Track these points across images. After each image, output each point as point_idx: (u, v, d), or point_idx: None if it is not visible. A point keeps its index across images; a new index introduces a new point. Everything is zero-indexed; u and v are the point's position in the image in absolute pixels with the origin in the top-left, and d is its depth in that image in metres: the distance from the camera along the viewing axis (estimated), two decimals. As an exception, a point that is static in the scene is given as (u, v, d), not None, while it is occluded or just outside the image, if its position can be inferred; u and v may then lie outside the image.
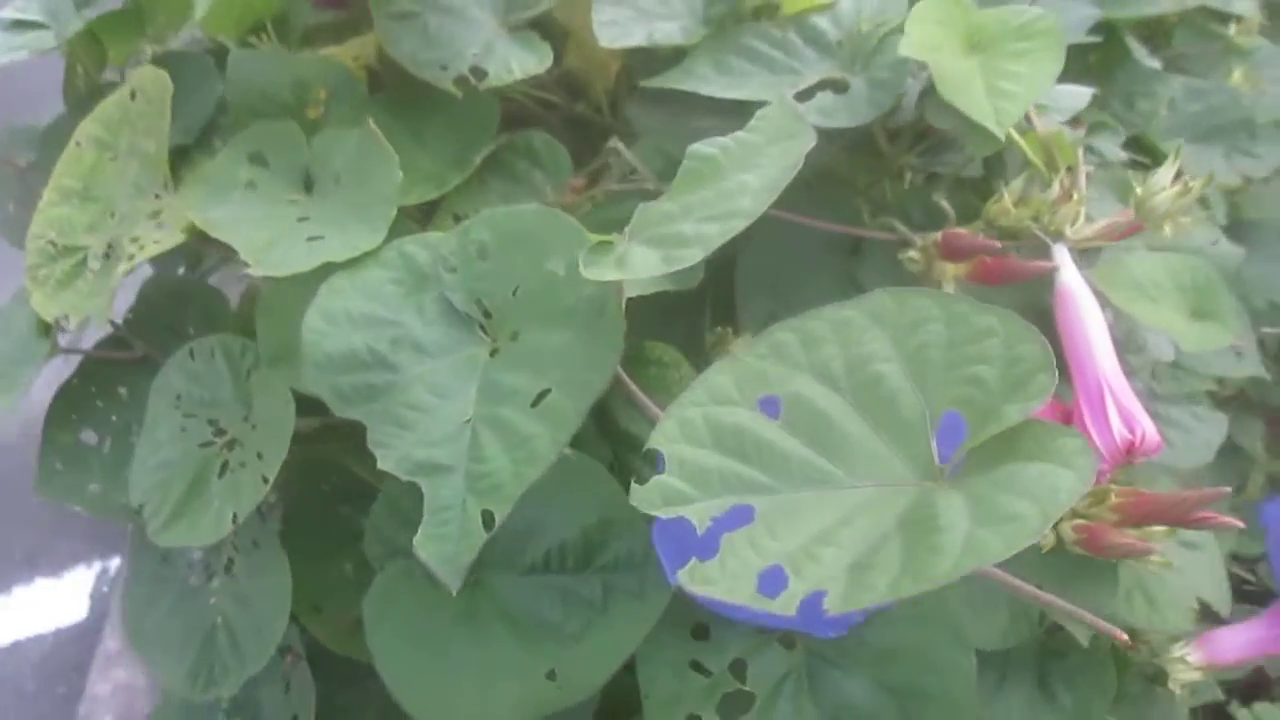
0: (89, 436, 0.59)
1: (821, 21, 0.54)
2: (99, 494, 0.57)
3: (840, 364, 0.33)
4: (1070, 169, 0.52)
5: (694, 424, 0.33)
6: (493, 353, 0.45)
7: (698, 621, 0.51)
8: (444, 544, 0.40)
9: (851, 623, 0.49)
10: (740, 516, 0.31)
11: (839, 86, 0.51)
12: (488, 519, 0.40)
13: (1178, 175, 0.45)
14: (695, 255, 0.38)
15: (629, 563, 0.49)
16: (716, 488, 0.32)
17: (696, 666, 0.50)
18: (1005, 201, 0.52)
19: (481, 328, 0.46)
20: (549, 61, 0.55)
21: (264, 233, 0.48)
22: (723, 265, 0.55)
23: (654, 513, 0.32)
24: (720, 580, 0.28)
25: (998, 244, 0.47)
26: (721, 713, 0.49)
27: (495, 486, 0.40)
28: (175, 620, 0.58)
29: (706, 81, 0.53)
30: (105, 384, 0.59)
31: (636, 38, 0.54)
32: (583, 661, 0.48)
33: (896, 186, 0.57)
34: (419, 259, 0.47)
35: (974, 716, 0.47)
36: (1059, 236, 0.51)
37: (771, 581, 0.28)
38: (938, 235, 0.49)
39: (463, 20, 0.56)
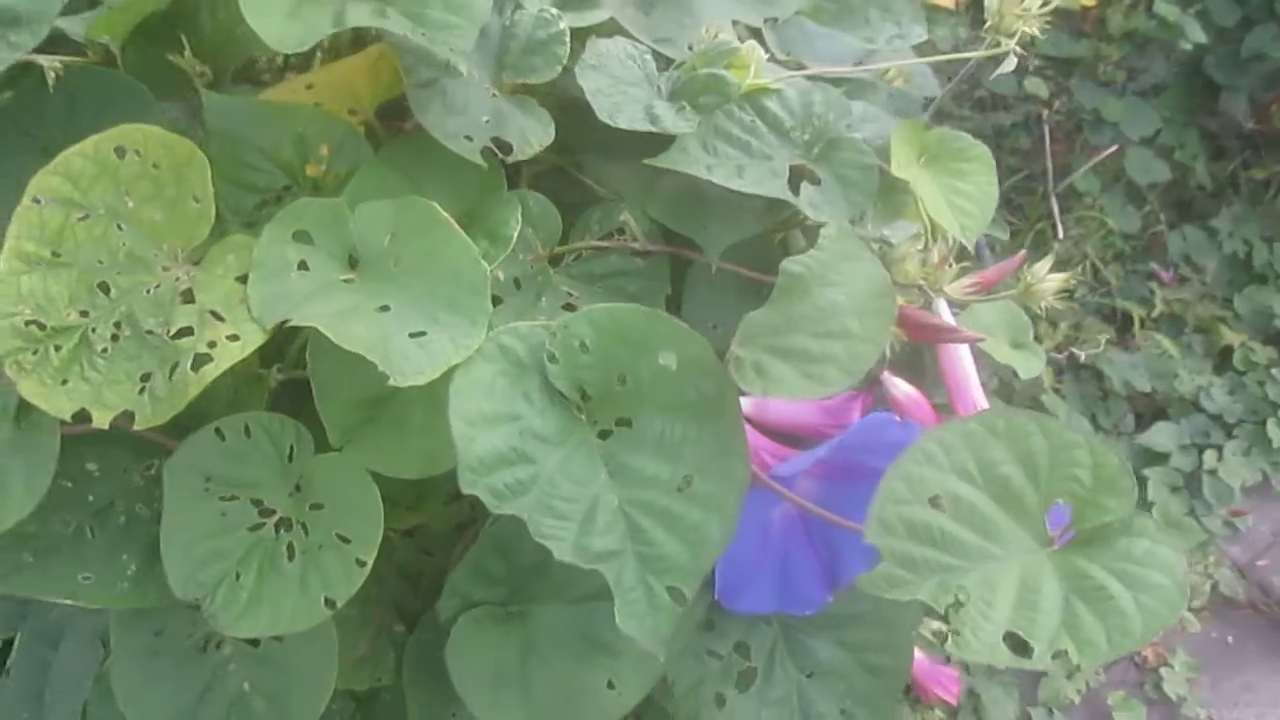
0: (60, 523, 0.55)
1: (777, 108, 0.66)
2: (101, 578, 0.55)
3: (974, 466, 0.48)
4: (945, 240, 0.70)
5: (890, 522, 0.47)
6: (602, 435, 0.53)
7: (704, 617, 0.65)
8: (641, 620, 0.49)
9: (822, 603, 0.66)
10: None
11: (812, 178, 0.64)
12: (677, 596, 0.50)
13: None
14: (834, 377, 0.50)
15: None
16: (921, 576, 0.46)
17: (711, 653, 0.64)
18: (907, 264, 0.69)
19: (578, 408, 0.54)
20: (553, 130, 0.61)
21: (366, 330, 0.50)
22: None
23: (885, 595, 0.45)
24: (979, 649, 0.43)
25: (948, 323, 0.64)
26: (739, 685, 0.64)
27: (673, 568, 0.50)
28: (184, 692, 0.58)
29: (698, 163, 0.62)
30: (69, 462, 0.55)
31: (638, 119, 0.61)
32: (636, 669, 0.60)
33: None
34: (517, 350, 0.53)
35: (910, 658, 0.67)
36: (939, 292, 0.70)
37: (1016, 644, 0.43)
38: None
39: (471, 85, 0.59)
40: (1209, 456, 2.08)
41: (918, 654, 0.92)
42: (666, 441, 0.53)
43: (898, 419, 0.60)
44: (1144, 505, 2.00)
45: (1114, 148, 2.22)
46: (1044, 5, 0.65)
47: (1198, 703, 1.82)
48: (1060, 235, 2.26)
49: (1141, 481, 2.03)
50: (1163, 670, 1.86)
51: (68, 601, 0.55)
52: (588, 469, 0.52)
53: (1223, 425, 2.17)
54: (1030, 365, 0.73)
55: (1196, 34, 2.17)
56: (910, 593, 0.45)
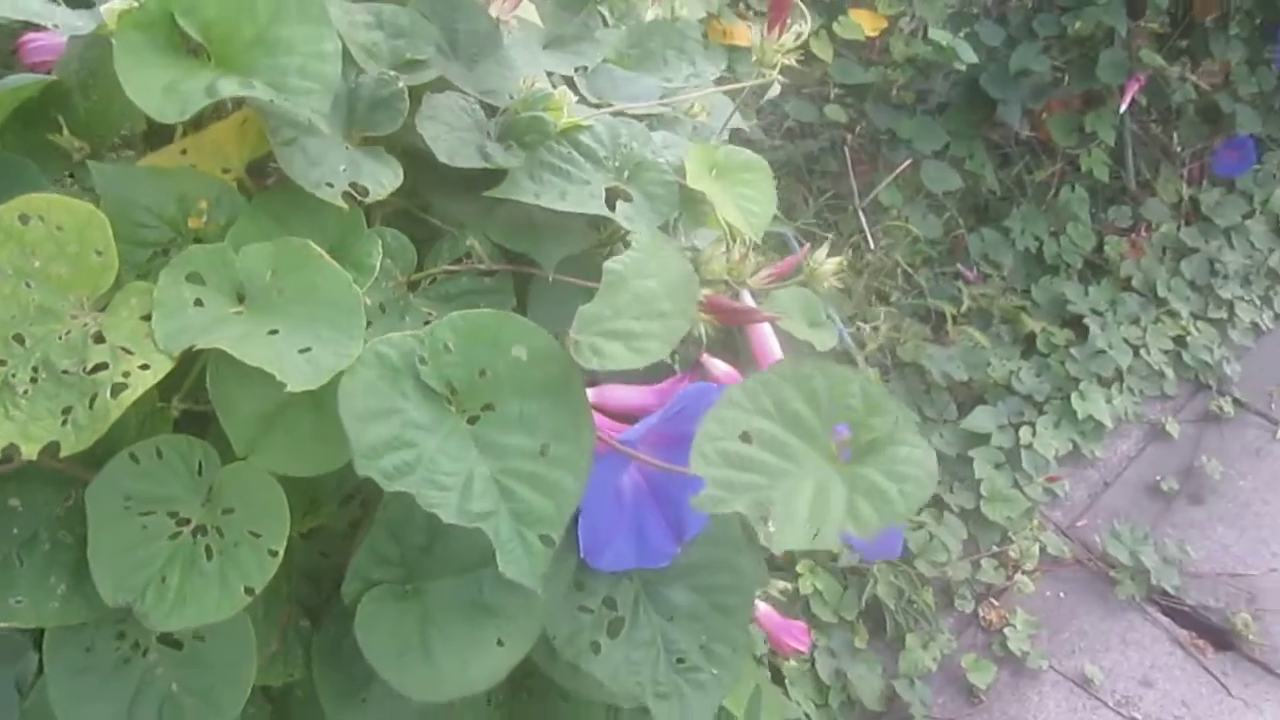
0: (-13, 554, 0.62)
1: (590, 140, 0.79)
2: (32, 602, 0.62)
3: (771, 406, 0.62)
4: (744, 241, 0.85)
5: (710, 455, 0.59)
6: (470, 420, 0.65)
7: (573, 579, 0.76)
8: (519, 564, 0.60)
9: (673, 555, 0.78)
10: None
11: (625, 196, 0.77)
12: (546, 541, 0.61)
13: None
14: (654, 348, 0.63)
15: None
16: (739, 494, 0.59)
17: (583, 609, 0.75)
18: (713, 264, 0.83)
19: (448, 400, 0.65)
20: (401, 174, 0.72)
21: (261, 350, 0.60)
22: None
23: (711, 512, 0.58)
24: (788, 542, 0.55)
25: (748, 305, 0.78)
26: (609, 633, 0.75)
27: (540, 519, 0.61)
28: (116, 702, 0.65)
29: (527, 191, 0.75)
30: (-8, 500, 0.63)
31: (473, 159, 0.73)
32: (519, 626, 0.71)
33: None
34: (391, 356, 0.64)
35: (752, 594, 0.80)
36: (742, 284, 0.84)
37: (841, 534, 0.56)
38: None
39: (327, 140, 0.70)
40: (1024, 433, 2.33)
41: (771, 610, 1.06)
42: (525, 419, 0.64)
43: (715, 387, 0.74)
44: (972, 482, 2.22)
45: (909, 161, 2.47)
46: (797, 43, 0.80)
47: (1040, 655, 2.03)
48: (871, 246, 2.48)
49: (968, 462, 2.26)
50: (1006, 630, 2.06)
51: (2, 625, 0.62)
52: (461, 448, 0.63)
53: (1034, 404, 2.43)
54: (824, 340, 0.87)
55: (969, 55, 2.45)
56: (730, 507, 0.58)
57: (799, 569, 1.99)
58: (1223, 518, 2.32)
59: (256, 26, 0.66)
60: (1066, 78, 2.68)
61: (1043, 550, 2.19)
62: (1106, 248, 2.77)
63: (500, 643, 0.70)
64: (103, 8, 0.62)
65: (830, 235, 2.50)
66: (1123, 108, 2.64)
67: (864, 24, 2.46)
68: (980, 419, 2.33)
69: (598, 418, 0.70)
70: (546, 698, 0.88)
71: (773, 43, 0.80)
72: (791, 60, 0.81)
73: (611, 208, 0.76)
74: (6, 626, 0.62)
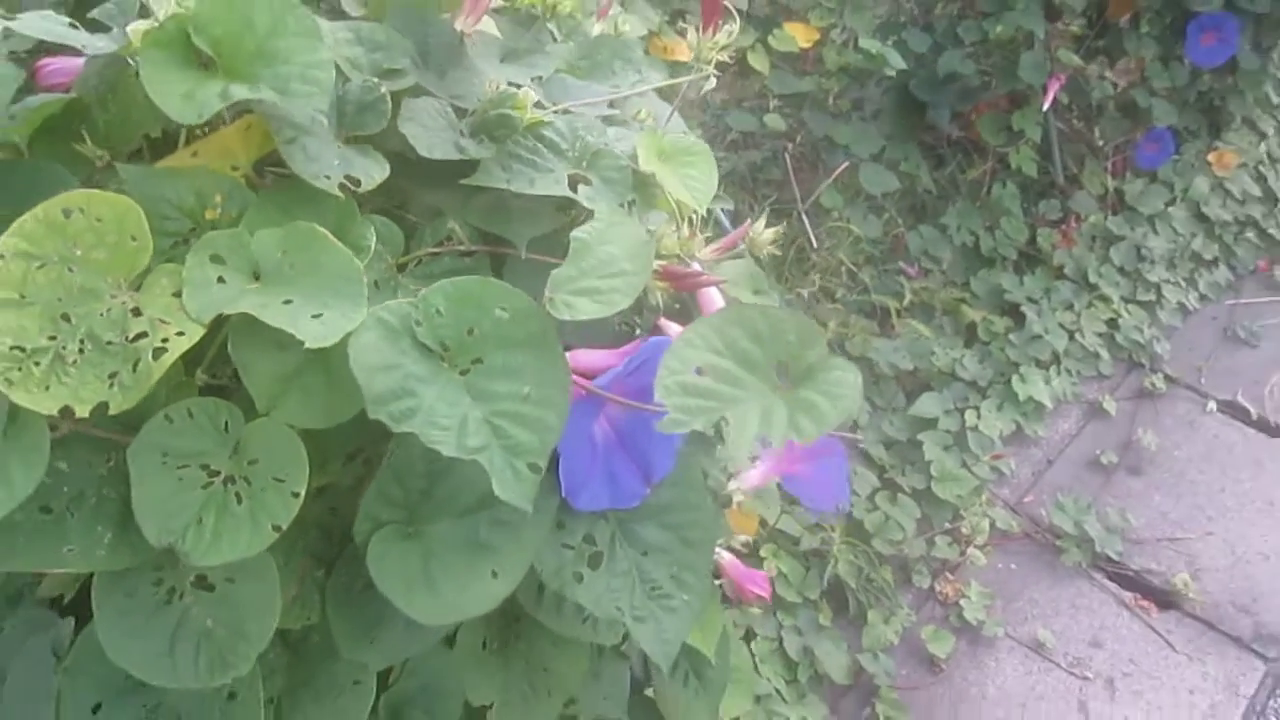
0: (43, 510, 0.72)
1: (551, 134, 0.90)
2: (81, 550, 0.71)
3: (721, 344, 0.73)
4: (694, 220, 0.96)
5: (670, 386, 0.70)
6: (462, 372, 0.75)
7: (556, 519, 0.86)
8: (511, 489, 0.70)
9: (642, 495, 0.89)
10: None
11: (585, 181, 0.88)
12: (534, 468, 0.71)
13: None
14: (619, 300, 0.74)
15: (533, 491, 0.82)
16: (697, 414, 0.69)
17: (565, 545, 0.86)
18: (666, 240, 0.94)
19: (441, 356, 0.75)
20: (388, 168, 0.83)
21: (279, 315, 0.70)
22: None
23: (674, 431, 0.69)
24: (741, 453, 0.66)
25: (697, 270, 0.89)
26: (590, 565, 0.85)
27: (527, 450, 0.72)
28: (159, 638, 0.74)
29: (499, 178, 0.86)
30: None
31: (450, 152, 0.84)
32: (510, 560, 0.81)
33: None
34: (390, 320, 0.74)
35: (714, 528, 0.91)
36: (693, 258, 0.95)
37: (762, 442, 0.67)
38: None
39: (323, 138, 0.80)
40: (969, 416, 2.46)
41: (733, 560, 1.17)
42: (509, 368, 0.75)
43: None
44: (922, 464, 2.35)
45: (846, 165, 2.61)
46: (729, 41, 0.92)
47: (995, 624, 2.16)
48: (816, 246, 2.62)
49: (917, 445, 2.39)
50: (962, 602, 2.19)
51: (59, 570, 0.71)
52: (456, 396, 0.73)
53: (977, 389, 2.57)
54: (767, 305, 0.99)
55: (898, 61, 2.60)
56: (689, 427, 0.68)
57: (762, 553, 2.10)
58: (1160, 487, 2.47)
59: (257, 40, 0.77)
60: (992, 80, 2.84)
61: (992, 525, 2.31)
62: (1039, 239, 2.93)
63: (494, 574, 0.80)
64: (129, 28, 0.72)
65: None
66: (1046, 106, 2.80)
67: (798, 36, 2.60)
68: (927, 405, 2.47)
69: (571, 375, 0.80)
70: (536, 642, 0.98)
71: (708, 41, 0.92)
72: (725, 56, 0.93)
73: (574, 190, 0.87)
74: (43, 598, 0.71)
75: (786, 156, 2.77)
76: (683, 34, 2.39)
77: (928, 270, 2.82)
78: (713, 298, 0.93)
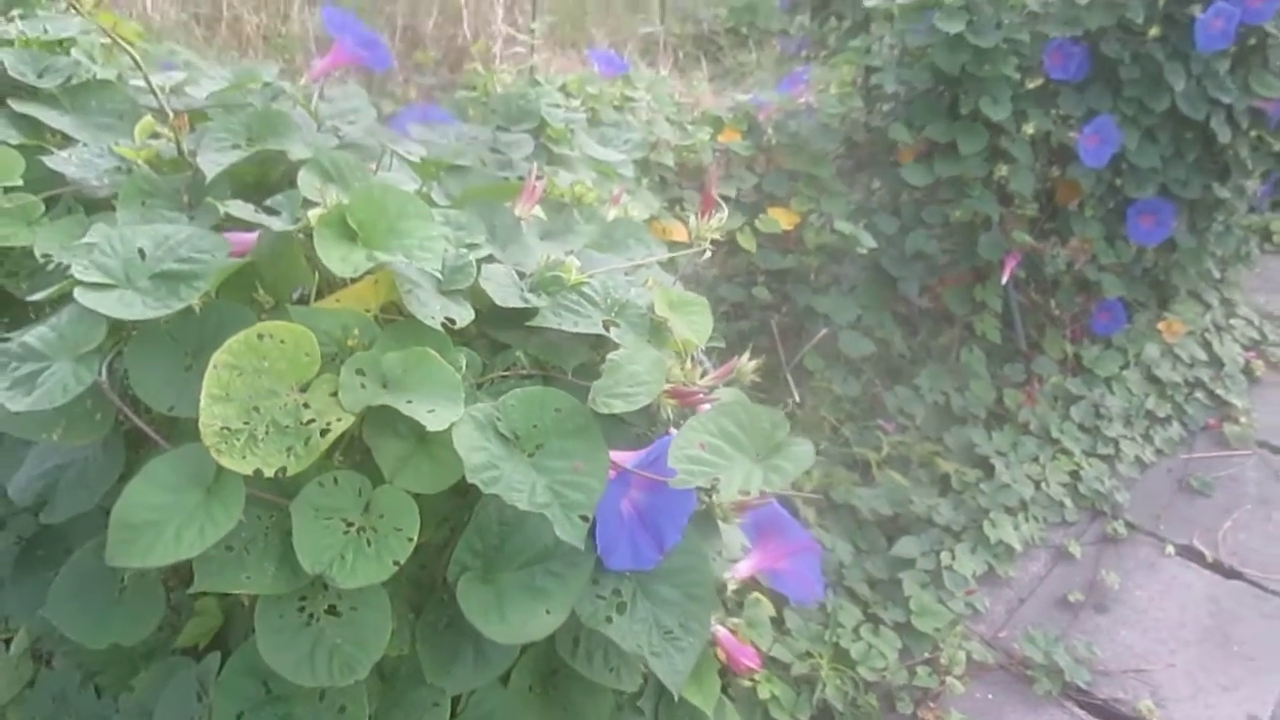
0: (227, 549, 1.02)
1: (590, 291, 1.25)
2: (254, 577, 1.01)
3: (715, 428, 1.05)
4: (694, 355, 1.29)
5: (679, 456, 1.02)
6: (529, 454, 1.06)
7: (592, 576, 1.16)
8: (568, 533, 1.01)
9: (657, 560, 1.19)
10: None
11: (615, 324, 1.22)
12: (584, 519, 1.02)
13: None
14: (642, 399, 1.06)
15: (572, 553, 1.12)
16: (699, 475, 1.01)
17: (599, 595, 1.15)
18: (673, 370, 1.27)
19: (514, 442, 1.07)
20: (473, 314, 1.17)
21: (406, 408, 1.02)
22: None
23: (682, 488, 1.00)
24: (727, 499, 0.97)
25: (697, 390, 1.22)
26: (618, 611, 1.14)
27: (578, 506, 1.03)
28: (301, 650, 1.03)
29: (553, 321, 1.19)
30: (229, 515, 1.02)
31: (517, 302, 1.18)
32: (559, 601, 1.10)
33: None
34: (479, 417, 1.06)
35: (712, 590, 1.20)
36: (693, 383, 1.28)
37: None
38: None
39: (429, 291, 1.14)
40: (945, 556, 2.74)
41: (727, 634, 1.44)
42: (564, 450, 1.06)
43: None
44: (902, 600, 2.61)
45: (825, 332, 2.98)
46: (720, 225, 1.27)
47: (973, 749, 2.38)
48: (800, 405, 2.96)
49: (898, 583, 2.66)
50: (942, 727, 2.41)
51: (238, 591, 1.01)
52: (526, 470, 1.05)
53: (952, 533, 2.86)
54: (749, 403, 1.31)
55: (869, 241, 3.01)
56: (694, 484, 1.00)
57: (756, 677, 2.34)
58: (1125, 622, 2.72)
59: (389, 221, 1.12)
60: (955, 257, 3.25)
61: (969, 657, 2.56)
62: (1005, 399, 3.28)
63: (548, 611, 1.09)
64: (309, 212, 1.07)
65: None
66: (1005, 280, 3.20)
67: (780, 220, 3.02)
68: (906, 547, 2.75)
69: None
70: (570, 688, 1.25)
71: (705, 225, 1.28)
72: (718, 236, 1.28)
73: (607, 330, 1.20)
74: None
75: (773, 325, 3.15)
76: (681, 219, 2.81)
77: (904, 426, 3.15)
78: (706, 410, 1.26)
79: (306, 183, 1.17)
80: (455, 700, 1.18)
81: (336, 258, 1.07)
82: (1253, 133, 3.27)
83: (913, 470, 3.04)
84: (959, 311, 3.29)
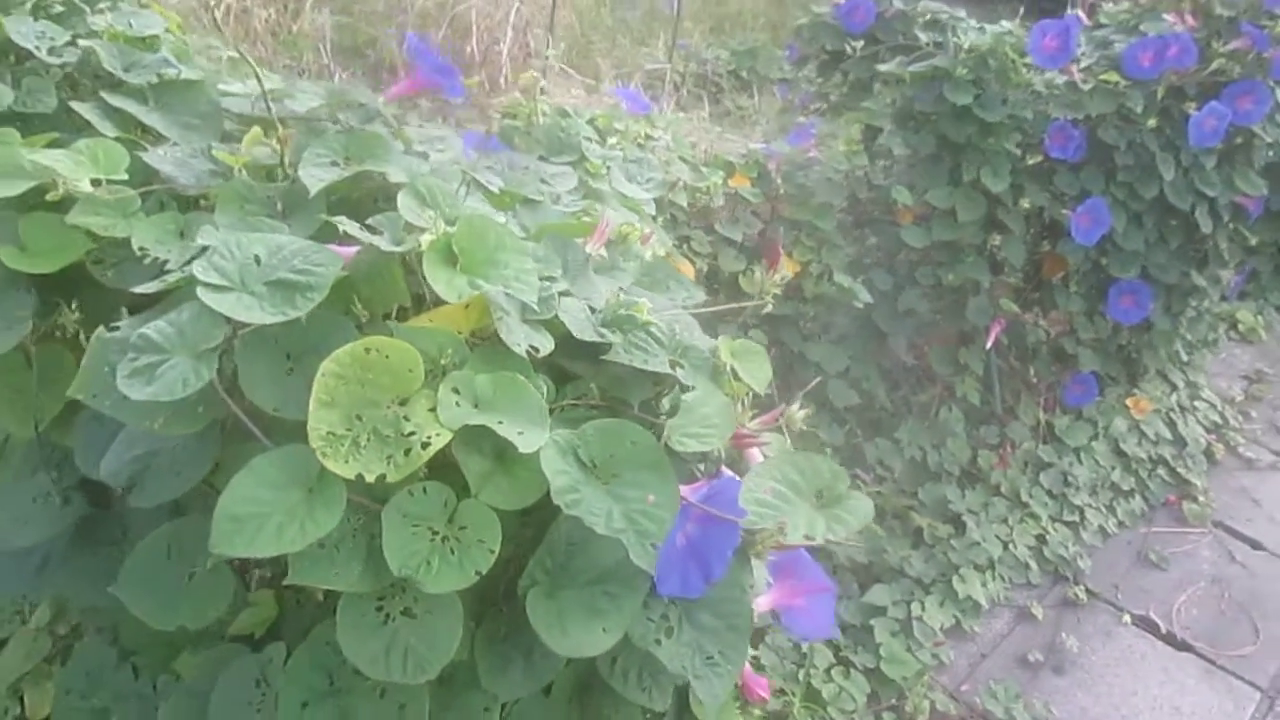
0: (320, 546, 1.09)
1: (656, 331, 1.34)
2: (341, 575, 1.08)
3: (779, 475, 1.14)
4: (745, 398, 1.39)
5: (749, 499, 1.11)
6: (605, 481, 1.15)
7: (644, 600, 1.24)
8: (642, 559, 1.09)
9: (702, 591, 1.27)
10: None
11: (680, 365, 1.31)
12: (655, 546, 1.10)
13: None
14: (713, 442, 1.15)
15: (634, 572, 1.20)
16: (767, 518, 1.10)
17: (649, 619, 1.23)
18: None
19: (592, 470, 1.15)
20: (553, 344, 1.25)
21: (498, 429, 1.10)
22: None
23: (754, 528, 1.09)
24: (793, 539, 1.07)
25: (748, 432, 1.31)
26: (665, 635, 1.23)
27: (650, 535, 1.11)
28: (378, 646, 1.10)
29: (623, 356, 1.28)
30: (323, 514, 1.10)
31: (593, 336, 1.27)
32: (615, 621, 1.18)
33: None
34: (561, 442, 1.15)
35: (750, 621, 1.29)
36: (744, 425, 1.37)
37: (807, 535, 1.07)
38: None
39: (516, 320, 1.23)
40: (915, 607, 2.86)
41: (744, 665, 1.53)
42: (637, 482, 1.15)
43: (733, 480, 1.26)
44: (873, 645, 2.72)
45: (818, 380, 3.09)
46: (781, 281, 1.37)
47: (933, 794, 2.48)
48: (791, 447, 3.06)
49: (869, 630, 2.77)
50: (905, 772, 2.51)
51: (326, 586, 1.08)
52: (603, 498, 1.13)
53: (922, 585, 2.97)
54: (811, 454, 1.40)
55: (864, 295, 3.13)
56: (764, 523, 1.09)
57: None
58: (1081, 685, 2.85)
59: (488, 252, 1.20)
60: (943, 318, 3.39)
61: (933, 706, 2.67)
62: (979, 459, 3.41)
63: (604, 630, 1.17)
64: (421, 237, 1.15)
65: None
66: (989, 345, 3.34)
67: (782, 267, 3.13)
68: (878, 595, 2.86)
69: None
70: (604, 702, 1.33)
71: (769, 280, 1.38)
72: (779, 291, 1.38)
73: (674, 369, 1.30)
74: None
75: (765, 366, 3.25)
76: (689, 258, 2.90)
77: (882, 478, 3.27)
78: (755, 454, 1.35)
79: (406, 207, 1.25)
80: (501, 707, 1.25)
81: (443, 282, 1.15)
82: (1232, 226, 3.45)
83: (888, 521, 3.16)
84: (942, 371, 3.42)
